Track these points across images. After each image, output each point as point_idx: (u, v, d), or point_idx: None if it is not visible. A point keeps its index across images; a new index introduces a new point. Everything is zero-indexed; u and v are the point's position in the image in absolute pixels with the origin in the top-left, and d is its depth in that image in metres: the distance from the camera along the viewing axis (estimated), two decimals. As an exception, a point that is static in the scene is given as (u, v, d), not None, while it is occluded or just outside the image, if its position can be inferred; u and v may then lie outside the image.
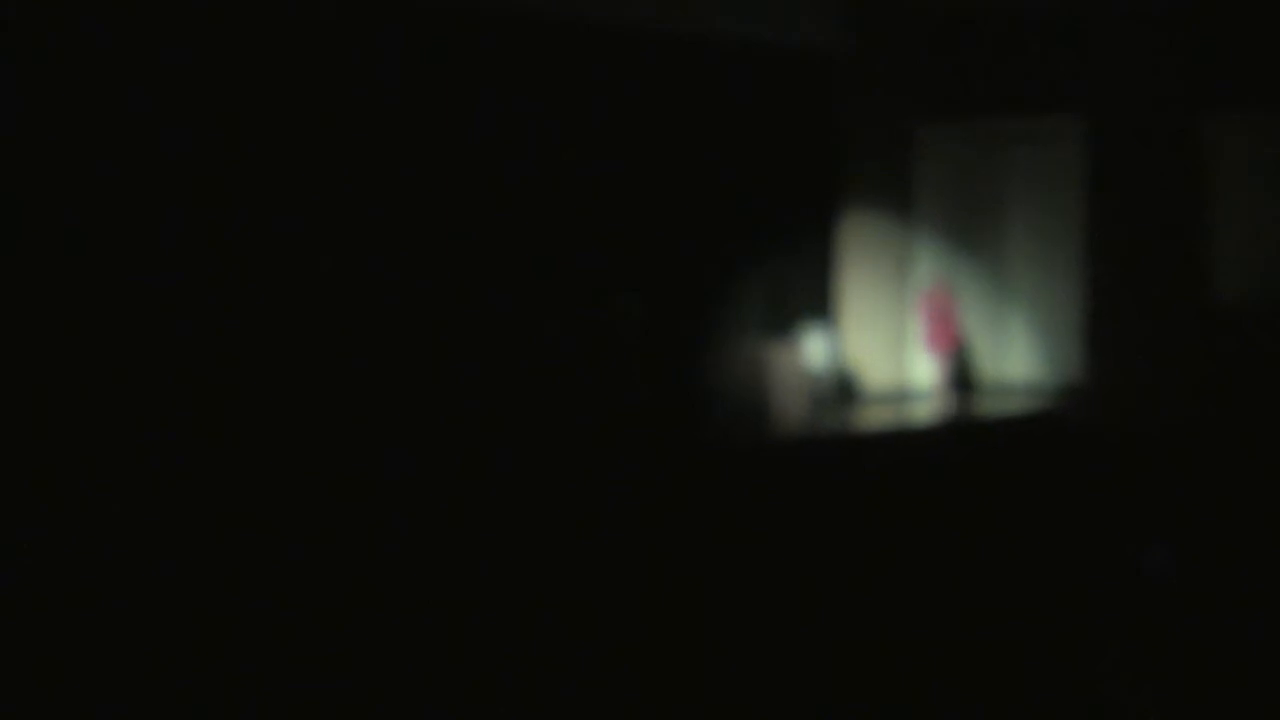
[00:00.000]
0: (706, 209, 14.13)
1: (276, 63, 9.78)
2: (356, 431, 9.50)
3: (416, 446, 9.75)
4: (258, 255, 9.38)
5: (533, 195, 11.47)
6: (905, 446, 12.48)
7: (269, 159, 9.54)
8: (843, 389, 15.25)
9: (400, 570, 6.27)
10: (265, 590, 6.11)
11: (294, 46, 9.89)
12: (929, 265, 15.77)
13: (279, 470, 8.87)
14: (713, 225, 14.28)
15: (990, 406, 14.93)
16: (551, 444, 10.27)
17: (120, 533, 7.00)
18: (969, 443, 12.68)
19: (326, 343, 9.88)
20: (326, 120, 10.15)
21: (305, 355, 9.65)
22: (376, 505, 7.68)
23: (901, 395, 15.18)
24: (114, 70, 8.91)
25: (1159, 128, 14.85)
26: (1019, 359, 17.13)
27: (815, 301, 15.55)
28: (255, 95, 9.59)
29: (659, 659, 5.24)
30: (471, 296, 10.64)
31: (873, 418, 13.92)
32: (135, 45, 8.96)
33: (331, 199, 9.96)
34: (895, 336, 15.58)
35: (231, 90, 9.46)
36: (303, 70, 9.99)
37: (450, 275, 10.63)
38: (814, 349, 14.92)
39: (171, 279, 9.17)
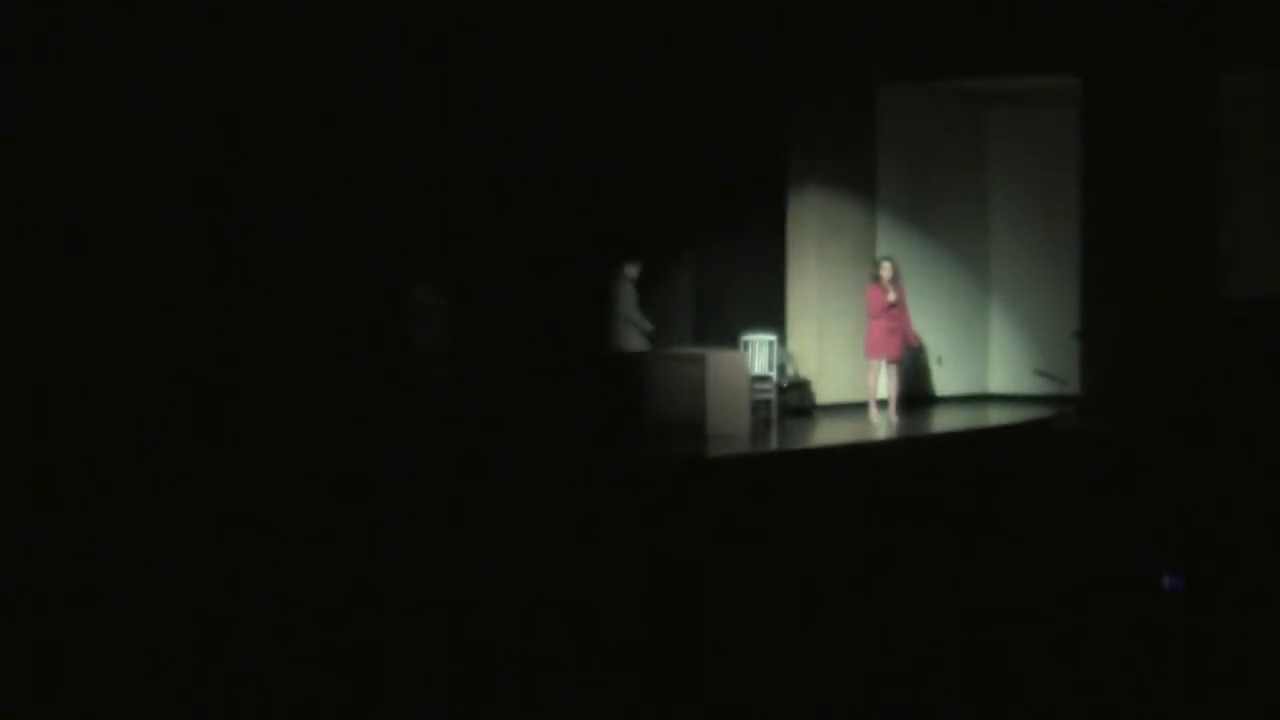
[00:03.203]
0: (633, 190, 14.96)
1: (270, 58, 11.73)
2: (357, 431, 11.40)
3: (412, 445, 11.70)
4: (245, 253, 11.31)
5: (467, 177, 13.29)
6: (853, 465, 13.21)
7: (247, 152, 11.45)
8: (794, 401, 15.99)
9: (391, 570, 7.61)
10: (265, 590, 7.19)
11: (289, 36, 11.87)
12: (889, 253, 16.42)
13: (278, 470, 10.51)
14: (641, 210, 15.11)
15: (956, 420, 15.78)
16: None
17: (120, 533, 8.27)
18: (920, 461, 13.35)
19: (322, 340, 11.82)
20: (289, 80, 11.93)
21: (299, 353, 11.53)
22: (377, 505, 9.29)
23: (865, 406, 15.79)
24: (114, 70, 10.80)
25: (1166, 89, 15.56)
26: (1001, 364, 18.18)
27: (762, 301, 16.12)
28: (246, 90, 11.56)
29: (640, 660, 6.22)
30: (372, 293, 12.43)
31: (820, 435, 14.78)
32: (135, 45, 10.92)
33: (307, 189, 11.91)
34: (857, 340, 16.10)
35: (230, 90, 11.40)
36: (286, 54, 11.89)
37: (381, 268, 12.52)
38: (759, 356, 15.61)
39: (171, 278, 10.92)
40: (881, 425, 15.12)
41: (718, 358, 14.29)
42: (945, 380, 17.63)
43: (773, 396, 15.31)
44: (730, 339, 15.50)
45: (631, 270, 14.51)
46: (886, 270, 15.40)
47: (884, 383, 15.50)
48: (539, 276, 13.90)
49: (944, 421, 15.81)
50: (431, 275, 12.62)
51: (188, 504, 9.28)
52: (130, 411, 10.67)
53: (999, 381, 18.03)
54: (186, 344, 11.19)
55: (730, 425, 13.98)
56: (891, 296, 15.20)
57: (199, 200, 11.37)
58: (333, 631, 6.46)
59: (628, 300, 14.42)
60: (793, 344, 16.45)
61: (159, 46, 11.24)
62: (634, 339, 14.41)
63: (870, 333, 15.45)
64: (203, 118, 11.48)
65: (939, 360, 17.51)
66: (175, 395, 10.96)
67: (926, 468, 12.44)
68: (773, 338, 15.65)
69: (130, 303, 10.96)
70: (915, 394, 16.92)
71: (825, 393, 16.46)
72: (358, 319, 12.26)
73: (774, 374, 15.49)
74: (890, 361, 15.43)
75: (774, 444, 14.11)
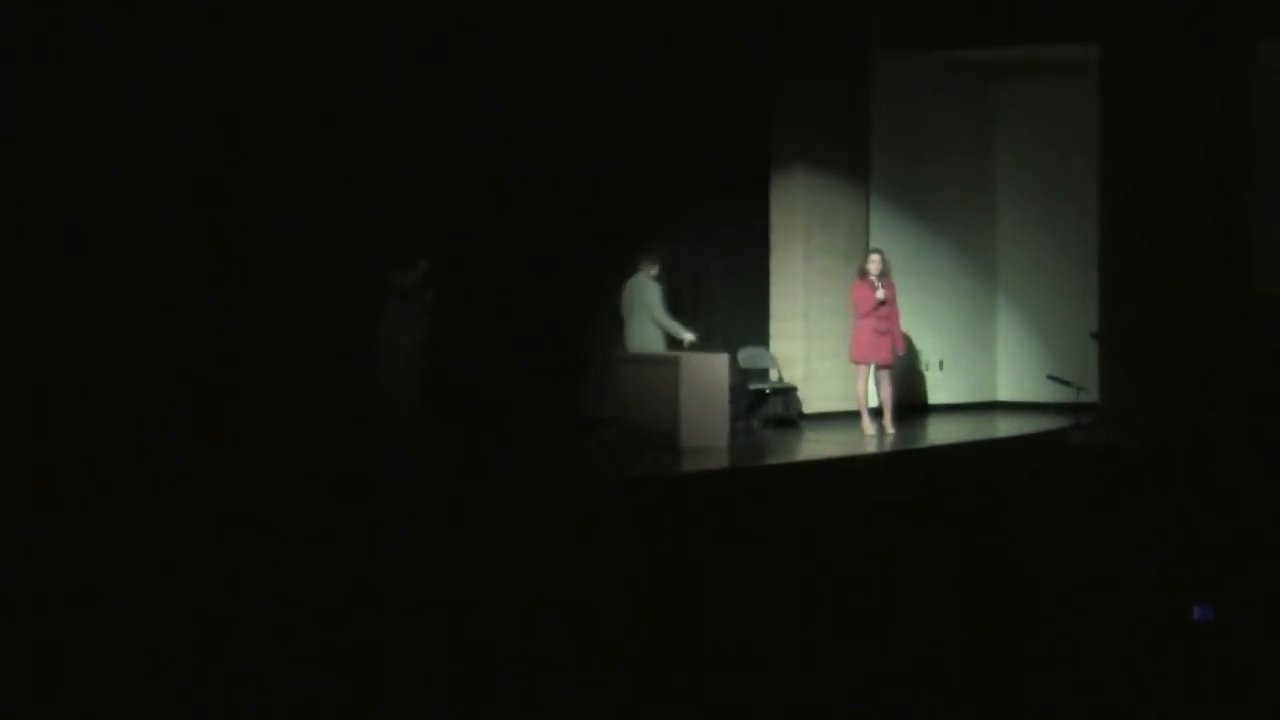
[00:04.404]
0: (599, 174, 15.01)
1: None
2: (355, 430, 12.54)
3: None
4: (242, 253, 12.36)
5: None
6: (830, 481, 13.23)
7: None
8: (778, 409, 15.90)
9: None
10: (265, 590, 7.74)
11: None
12: (883, 244, 16.31)
13: (278, 470, 11.46)
14: (607, 197, 15.13)
15: (961, 430, 15.69)
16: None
17: (120, 533, 8.99)
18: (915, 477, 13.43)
19: (311, 339, 12.75)
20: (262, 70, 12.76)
21: (289, 351, 12.53)
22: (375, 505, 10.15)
23: (857, 415, 15.72)
24: (115, 70, 11.75)
25: (1193, 60, 15.43)
26: (1010, 369, 18.07)
27: (742, 297, 16.02)
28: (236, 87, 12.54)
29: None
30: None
31: (808, 448, 14.52)
32: (135, 45, 11.89)
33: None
34: (849, 342, 15.90)
35: (229, 90, 12.39)
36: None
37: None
38: (742, 359, 15.48)
39: (171, 277, 11.89)
40: (876, 437, 14.97)
41: (693, 361, 14.05)
42: (948, 387, 17.61)
43: (755, 404, 15.26)
44: (707, 339, 15.32)
45: (651, 267, 14.45)
46: (875, 264, 15.13)
47: (874, 390, 15.38)
48: (500, 269, 14.05)
49: (946, 432, 15.64)
50: (409, 267, 13.06)
51: (187, 503, 10.09)
52: (129, 410, 11.50)
53: (1008, 388, 18.05)
54: (182, 344, 11.97)
55: (707, 437, 13.79)
56: (881, 294, 14.98)
57: (197, 200, 12.12)
58: (335, 631, 6.93)
59: (655, 300, 14.32)
60: (777, 346, 16.37)
61: (159, 46, 11.98)
62: (657, 345, 14.37)
63: (857, 334, 15.23)
64: (202, 118, 12.24)
65: (940, 365, 17.50)
66: (174, 394, 11.79)
67: (927, 484, 12.31)
68: (757, 339, 15.73)
69: (129, 302, 11.74)
70: (915, 402, 16.92)
71: (813, 400, 16.39)
72: (344, 317, 13.01)
73: (757, 379, 15.49)
74: (880, 366, 15.22)
75: (756, 458, 13.86)
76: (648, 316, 14.22)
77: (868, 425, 15.10)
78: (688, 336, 14.24)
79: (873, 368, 15.14)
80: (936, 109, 17.51)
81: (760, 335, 16.15)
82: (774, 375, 16.07)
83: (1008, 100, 17.98)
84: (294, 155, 12.81)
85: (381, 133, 13.39)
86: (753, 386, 15.58)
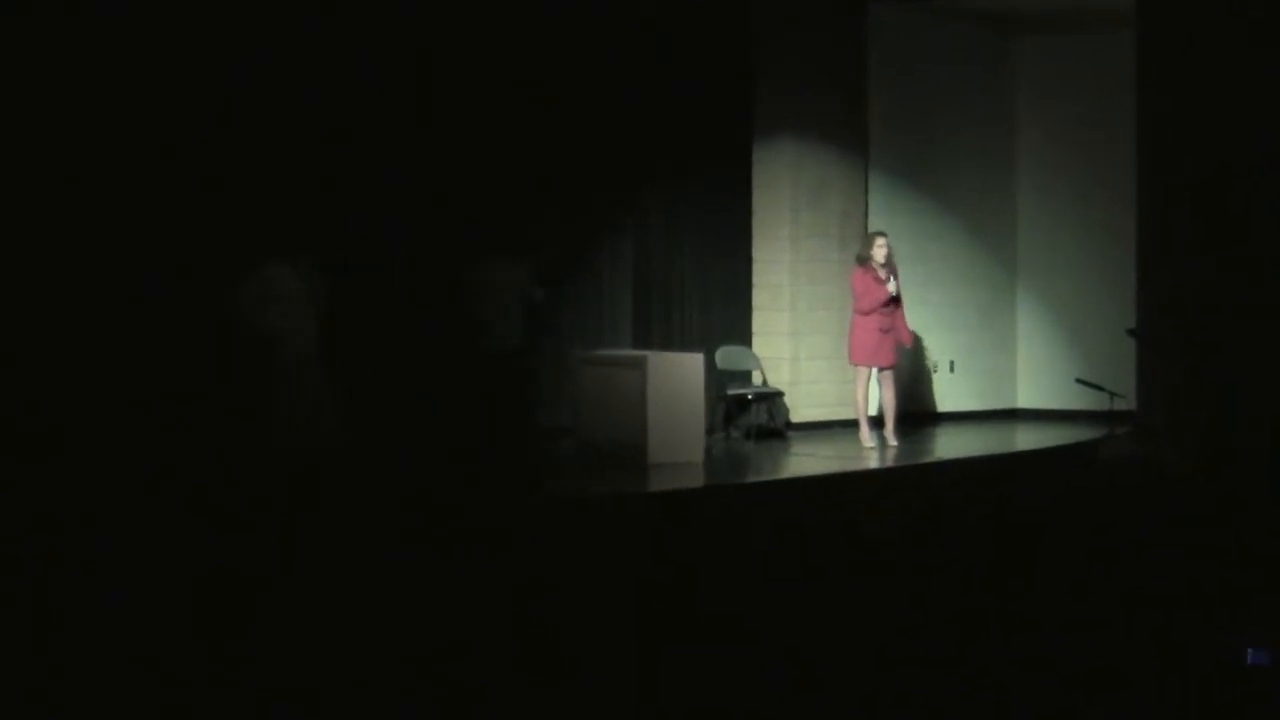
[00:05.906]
0: (550, 137, 14.60)
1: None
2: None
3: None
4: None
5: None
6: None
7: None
8: (762, 418, 15.59)
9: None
10: (260, 591, 8.02)
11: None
12: (885, 227, 15.74)
13: (261, 470, 11.58)
14: (560, 165, 14.77)
15: (975, 443, 15.42)
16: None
17: (107, 528, 9.42)
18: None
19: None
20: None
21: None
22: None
23: (853, 425, 15.31)
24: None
25: (1248, 6, 14.66)
26: (1032, 371, 17.75)
27: (720, 289, 16.21)
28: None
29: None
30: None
31: (797, 463, 14.31)
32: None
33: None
34: (844, 340, 15.53)
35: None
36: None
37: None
38: (719, 360, 15.30)
39: (141, 270, 12.02)
40: (876, 449, 14.55)
41: (663, 361, 13.71)
42: (960, 392, 17.27)
43: (735, 412, 15.09)
44: (680, 337, 15.18)
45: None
46: (881, 249, 14.47)
47: (875, 395, 14.97)
48: (433, 260, 13.49)
49: (958, 445, 15.28)
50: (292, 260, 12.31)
51: (173, 502, 10.61)
52: (118, 407, 11.89)
53: (1029, 394, 17.72)
54: (159, 335, 12.25)
55: (680, 450, 13.39)
56: (893, 287, 14.40)
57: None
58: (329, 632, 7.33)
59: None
60: (760, 345, 15.94)
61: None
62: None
63: (856, 333, 14.66)
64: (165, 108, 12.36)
65: (950, 366, 17.18)
66: (161, 391, 12.14)
67: (935, 505, 11.06)
68: (738, 337, 15.47)
69: (112, 297, 12.00)
70: (921, 410, 16.60)
71: (802, 407, 15.96)
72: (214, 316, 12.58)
73: (737, 382, 15.19)
74: (883, 369, 14.69)
75: (736, 474, 13.67)
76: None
77: (866, 436, 14.71)
78: (539, 292, 13.98)
79: (874, 370, 14.71)
80: (946, 69, 17.17)
81: (740, 332, 15.85)
82: (756, 378, 15.68)
83: (1029, 58, 17.71)
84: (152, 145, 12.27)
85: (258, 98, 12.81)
86: (732, 391, 15.26)
